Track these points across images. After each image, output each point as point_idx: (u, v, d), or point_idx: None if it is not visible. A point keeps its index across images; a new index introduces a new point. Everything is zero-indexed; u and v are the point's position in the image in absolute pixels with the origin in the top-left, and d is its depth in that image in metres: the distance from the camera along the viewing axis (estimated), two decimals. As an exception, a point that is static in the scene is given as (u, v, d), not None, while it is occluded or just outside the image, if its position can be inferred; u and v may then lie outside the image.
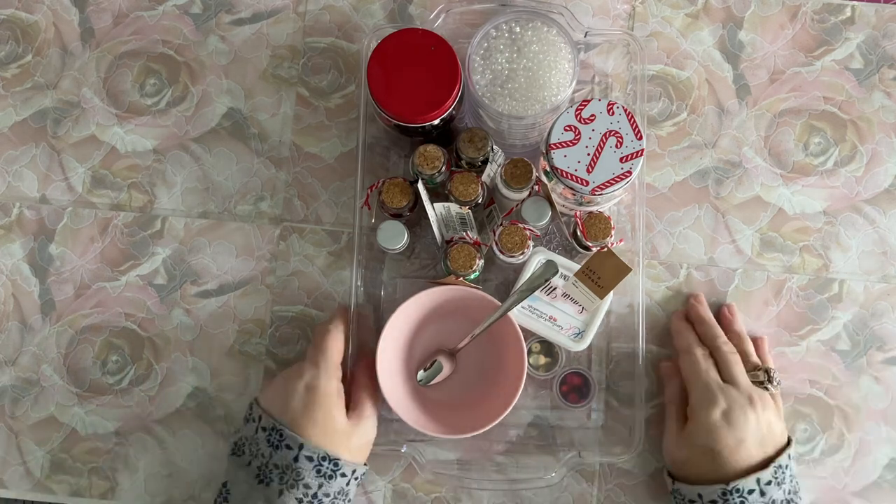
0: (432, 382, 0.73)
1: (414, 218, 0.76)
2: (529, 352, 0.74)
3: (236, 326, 0.78)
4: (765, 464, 0.67)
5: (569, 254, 0.75)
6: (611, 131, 0.65)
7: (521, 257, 0.72)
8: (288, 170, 0.80)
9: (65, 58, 0.82)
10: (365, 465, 0.70)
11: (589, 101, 0.66)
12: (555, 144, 0.65)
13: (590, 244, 0.71)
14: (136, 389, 0.78)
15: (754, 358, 0.73)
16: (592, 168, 0.65)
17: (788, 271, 0.79)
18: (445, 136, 0.75)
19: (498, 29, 0.70)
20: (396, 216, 0.74)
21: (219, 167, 0.80)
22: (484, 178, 0.73)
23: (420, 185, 0.71)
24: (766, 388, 0.70)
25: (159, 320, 0.79)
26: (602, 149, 0.65)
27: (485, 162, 0.73)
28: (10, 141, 0.81)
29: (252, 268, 0.79)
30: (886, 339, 0.78)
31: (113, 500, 0.77)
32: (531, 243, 0.71)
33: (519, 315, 0.72)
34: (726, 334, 0.73)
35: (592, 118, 0.65)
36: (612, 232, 0.71)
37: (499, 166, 0.72)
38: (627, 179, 0.65)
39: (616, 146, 0.65)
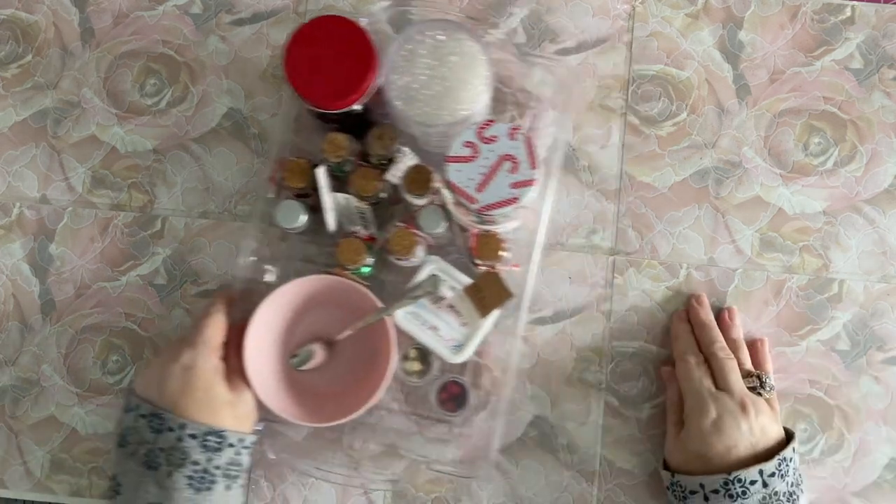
0: (304, 368, 0.73)
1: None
2: (405, 357, 0.74)
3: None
4: (768, 456, 0.67)
5: (466, 268, 0.74)
6: (508, 155, 0.66)
7: (409, 262, 0.72)
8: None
9: (65, 58, 0.82)
10: (254, 433, 0.70)
11: (493, 122, 0.66)
12: (452, 158, 0.66)
13: (479, 262, 0.72)
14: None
15: (748, 365, 0.73)
16: (483, 188, 0.65)
17: (788, 271, 0.79)
18: (363, 128, 0.75)
19: (422, 34, 0.70)
20: (302, 196, 0.74)
21: (218, 167, 0.80)
22: (388, 176, 0.73)
23: (321, 171, 0.71)
24: (759, 394, 0.71)
25: (159, 320, 0.79)
26: (496, 171, 0.65)
27: (391, 161, 0.73)
28: (10, 141, 0.81)
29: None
30: (886, 339, 0.78)
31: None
32: (420, 250, 0.72)
33: (402, 319, 0.72)
34: (724, 340, 0.74)
35: (494, 139, 0.66)
36: (503, 255, 0.71)
37: (405, 168, 0.73)
38: (513, 205, 0.65)
39: (510, 171, 0.65)
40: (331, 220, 0.73)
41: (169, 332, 0.78)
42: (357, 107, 0.70)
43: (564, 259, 0.79)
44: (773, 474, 0.66)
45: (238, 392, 0.69)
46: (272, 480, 0.77)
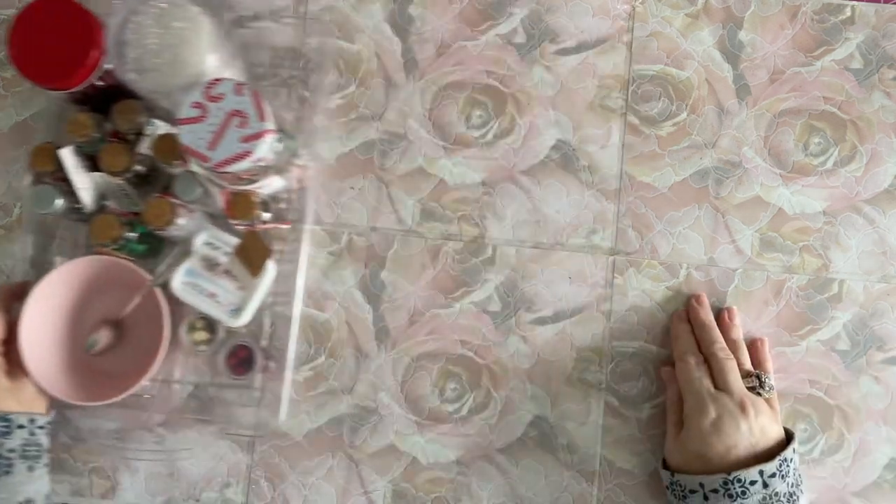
0: (95, 351, 0.74)
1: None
2: (192, 327, 0.75)
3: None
4: (768, 456, 0.67)
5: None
6: (236, 111, 0.66)
7: (172, 231, 0.72)
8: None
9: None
10: (47, 413, 0.72)
11: (219, 81, 0.67)
12: (182, 120, 0.66)
13: (234, 223, 0.72)
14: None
15: (748, 365, 0.73)
16: (215, 146, 0.66)
17: (788, 271, 0.79)
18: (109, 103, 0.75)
19: (146, 4, 0.71)
20: (61, 180, 0.73)
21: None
22: (141, 149, 0.73)
23: (64, 152, 0.72)
24: (759, 394, 0.71)
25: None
26: (226, 128, 0.66)
27: (140, 134, 0.74)
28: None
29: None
30: (886, 339, 0.78)
31: (114, 500, 0.77)
32: (185, 219, 0.72)
33: (180, 290, 0.73)
34: (724, 340, 0.74)
35: (220, 97, 0.66)
36: (258, 213, 0.71)
37: (153, 139, 0.73)
38: (247, 159, 0.65)
39: (240, 126, 0.66)
40: (87, 200, 0.73)
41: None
42: (99, 83, 0.71)
43: (564, 259, 0.79)
44: (773, 475, 0.66)
45: (19, 379, 0.70)
46: (272, 480, 0.77)
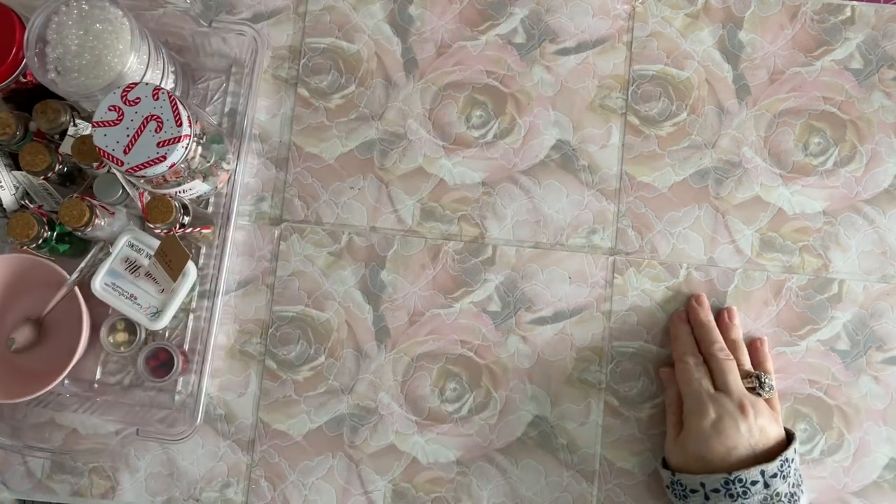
0: (16, 349, 0.74)
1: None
2: (113, 328, 0.76)
3: (237, 326, 0.78)
4: (768, 457, 0.67)
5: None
6: (153, 115, 0.66)
7: (90, 232, 0.73)
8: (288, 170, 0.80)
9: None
10: None
11: (136, 84, 0.67)
12: (97, 123, 0.66)
13: (152, 226, 0.73)
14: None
15: (747, 366, 0.73)
16: (130, 149, 0.66)
17: (788, 271, 0.79)
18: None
19: (68, 5, 0.71)
20: None
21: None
22: (63, 149, 0.74)
23: None
24: (759, 395, 0.71)
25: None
26: (142, 132, 0.66)
27: (63, 134, 0.74)
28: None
29: (252, 268, 0.79)
30: (886, 339, 0.78)
31: (114, 500, 0.77)
32: (106, 220, 0.72)
33: (101, 291, 0.74)
34: (724, 341, 0.74)
35: (137, 101, 0.66)
36: (174, 217, 0.71)
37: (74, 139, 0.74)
38: (162, 164, 0.66)
39: (156, 131, 0.66)
40: (5, 200, 0.74)
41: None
42: (22, 81, 0.71)
43: (564, 259, 0.79)
44: (774, 475, 0.66)
45: None
46: (272, 480, 0.77)
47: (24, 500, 0.79)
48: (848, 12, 0.82)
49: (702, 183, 0.80)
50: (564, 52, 0.81)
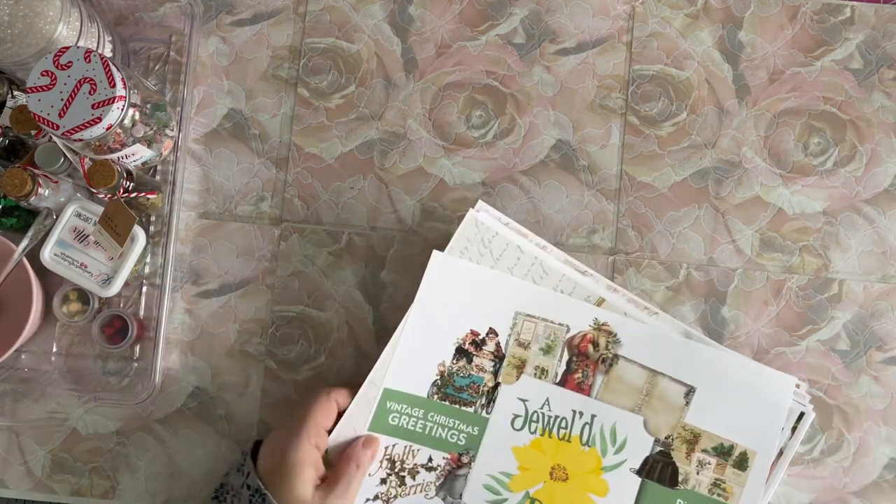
0: None
1: None
2: (66, 299, 0.76)
3: (237, 326, 0.78)
4: None
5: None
6: (86, 78, 0.66)
7: (39, 202, 0.73)
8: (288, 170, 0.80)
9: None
10: None
11: (68, 48, 0.67)
12: (31, 88, 0.67)
13: (95, 191, 0.73)
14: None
15: None
16: (65, 113, 0.66)
17: (788, 271, 0.79)
18: None
19: None
20: None
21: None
22: (2, 121, 0.74)
23: None
24: None
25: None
26: (76, 95, 0.66)
27: (2, 106, 0.75)
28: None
29: (252, 268, 0.79)
30: (886, 339, 0.78)
31: (114, 500, 0.77)
32: (42, 188, 0.72)
33: (50, 262, 0.74)
34: None
35: (70, 65, 0.67)
36: (117, 181, 0.71)
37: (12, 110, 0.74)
38: (97, 125, 0.66)
39: (90, 93, 0.66)
40: None
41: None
42: None
43: (564, 259, 0.79)
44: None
45: (322, 495, 0.66)
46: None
47: (25, 500, 0.79)
48: (848, 12, 0.82)
49: (702, 183, 0.80)
50: (564, 52, 0.81)
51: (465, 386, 0.73)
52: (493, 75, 0.81)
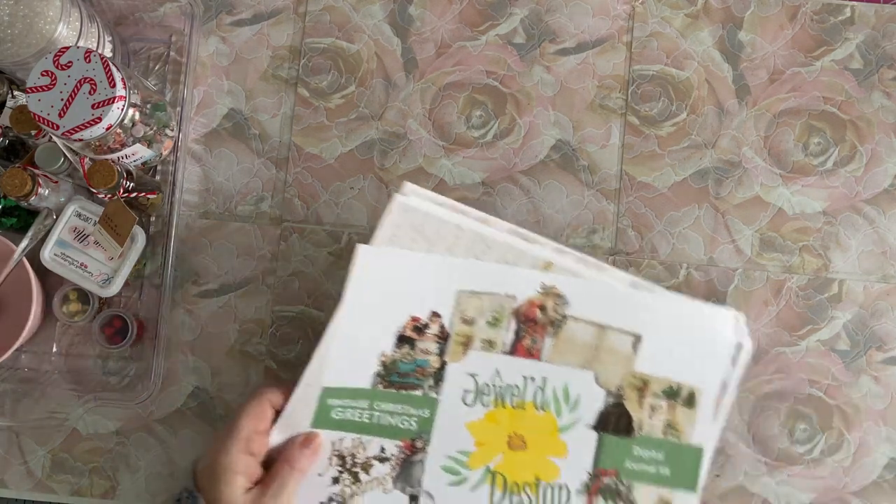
0: None
1: None
2: (66, 298, 0.77)
3: (237, 326, 0.78)
4: None
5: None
6: (86, 78, 0.67)
7: (39, 202, 0.73)
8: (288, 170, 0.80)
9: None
10: None
11: (68, 48, 0.67)
12: (31, 88, 0.67)
13: (95, 191, 0.73)
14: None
15: None
16: (65, 113, 0.66)
17: (788, 271, 0.79)
18: None
19: None
20: None
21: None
22: (2, 121, 0.74)
23: None
24: None
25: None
26: (76, 95, 0.66)
27: (2, 106, 0.75)
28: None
29: (252, 268, 0.79)
30: (886, 339, 0.78)
31: (114, 500, 0.77)
32: (42, 188, 0.72)
33: (50, 262, 0.74)
34: None
35: (69, 65, 0.67)
36: (117, 181, 0.71)
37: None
38: (98, 125, 0.66)
39: (90, 93, 0.66)
40: None
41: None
42: None
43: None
44: None
45: (255, 497, 0.65)
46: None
47: (25, 500, 0.79)
48: (848, 12, 0.82)
49: (702, 183, 0.80)
50: (564, 52, 0.81)
51: (410, 371, 0.71)
52: (493, 75, 0.81)
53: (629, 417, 0.71)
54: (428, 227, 0.71)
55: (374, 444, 0.70)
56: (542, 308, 0.71)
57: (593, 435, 0.70)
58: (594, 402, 0.71)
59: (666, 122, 0.80)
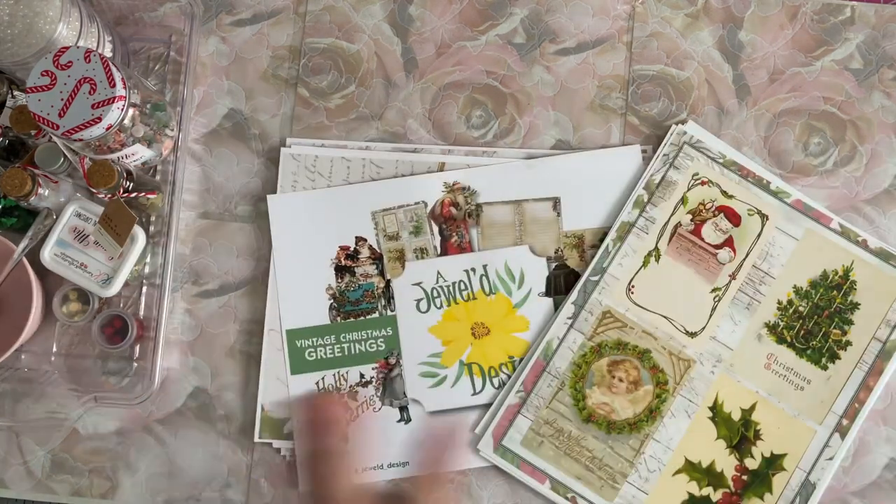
0: None
1: None
2: (66, 298, 0.77)
3: (237, 326, 0.78)
4: None
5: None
6: (86, 78, 0.67)
7: (39, 202, 0.73)
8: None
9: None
10: None
11: (68, 48, 0.67)
12: (31, 88, 0.67)
13: (95, 191, 0.73)
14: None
15: None
16: (65, 113, 0.66)
17: None
18: None
19: None
20: None
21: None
22: (2, 121, 0.75)
23: None
24: None
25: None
26: (76, 95, 0.67)
27: (2, 106, 0.76)
28: None
29: (252, 268, 0.79)
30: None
31: (114, 500, 0.77)
32: (42, 188, 0.72)
33: (51, 262, 0.74)
34: None
35: (69, 65, 0.67)
36: (116, 181, 0.71)
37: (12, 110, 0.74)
38: (97, 125, 0.66)
39: (90, 93, 0.67)
40: None
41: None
42: None
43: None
44: None
45: None
46: (272, 480, 0.77)
47: (25, 500, 0.79)
48: (848, 12, 0.82)
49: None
50: (564, 52, 0.81)
51: (359, 297, 0.77)
52: (493, 75, 0.81)
53: (576, 274, 0.77)
54: (319, 166, 0.77)
55: (353, 373, 0.76)
56: (455, 205, 0.76)
57: (548, 301, 0.76)
58: (538, 271, 0.76)
59: (666, 122, 0.80)
